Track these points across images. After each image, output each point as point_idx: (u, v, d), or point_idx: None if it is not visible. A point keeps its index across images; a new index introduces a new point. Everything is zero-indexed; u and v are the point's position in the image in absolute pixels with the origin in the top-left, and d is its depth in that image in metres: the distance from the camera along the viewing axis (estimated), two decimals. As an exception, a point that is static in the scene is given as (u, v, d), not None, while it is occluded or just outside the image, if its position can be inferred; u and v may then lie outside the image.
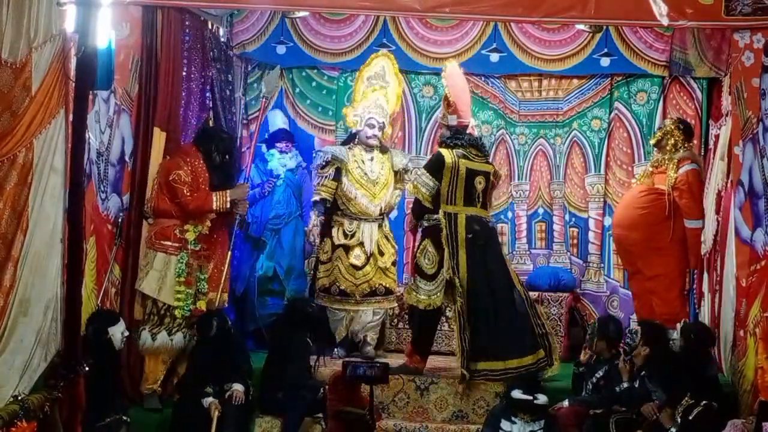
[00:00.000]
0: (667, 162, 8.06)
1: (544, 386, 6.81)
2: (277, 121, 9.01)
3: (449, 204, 7.58)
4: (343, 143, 8.44)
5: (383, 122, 8.21)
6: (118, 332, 6.54)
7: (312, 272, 8.49)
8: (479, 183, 7.66)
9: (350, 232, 8.18)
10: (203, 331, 7.15)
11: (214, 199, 7.31)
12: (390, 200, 8.32)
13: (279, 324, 7.69)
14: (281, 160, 8.72)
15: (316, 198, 8.18)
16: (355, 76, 8.48)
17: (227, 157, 7.53)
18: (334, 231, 8.17)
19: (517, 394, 6.66)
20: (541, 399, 6.65)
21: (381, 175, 8.23)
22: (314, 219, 8.18)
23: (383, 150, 8.34)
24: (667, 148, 8.08)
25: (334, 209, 8.19)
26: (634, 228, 8.06)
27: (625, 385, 6.88)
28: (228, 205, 7.37)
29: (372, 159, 8.24)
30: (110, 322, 6.54)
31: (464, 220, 7.56)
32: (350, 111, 8.26)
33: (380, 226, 8.25)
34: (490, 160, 8.28)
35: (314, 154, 8.65)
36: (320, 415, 7.05)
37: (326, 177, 8.15)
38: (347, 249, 8.15)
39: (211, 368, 7.04)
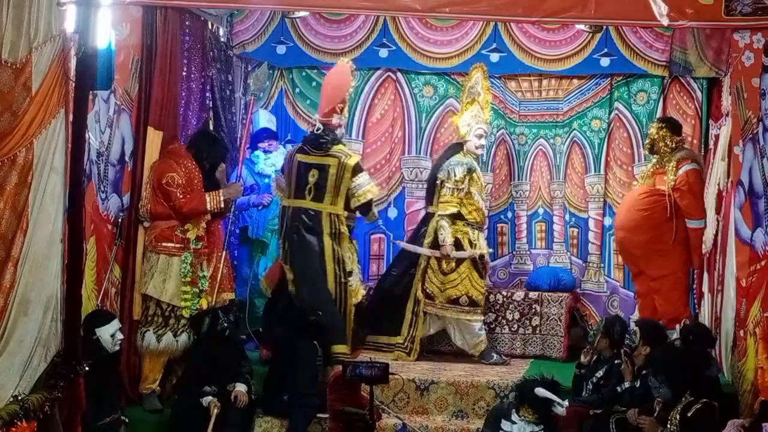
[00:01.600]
0: (666, 163, 8.05)
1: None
2: (261, 120, 8.93)
3: (287, 197, 7.98)
4: (452, 153, 8.43)
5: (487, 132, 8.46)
6: (106, 334, 6.44)
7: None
8: (312, 176, 7.87)
9: (474, 241, 8.29)
10: (198, 330, 7.15)
11: (208, 200, 7.31)
12: None
13: (285, 328, 7.63)
14: (267, 161, 8.68)
15: (453, 211, 8.25)
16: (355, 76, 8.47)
17: (211, 165, 7.52)
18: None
19: (542, 391, 6.57)
20: (559, 410, 6.52)
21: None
22: (450, 232, 8.21)
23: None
24: (662, 151, 8.06)
25: (457, 218, 8.26)
26: (637, 230, 8.03)
27: (627, 384, 6.88)
28: (222, 205, 7.38)
29: (480, 168, 8.46)
30: (98, 323, 6.46)
31: (291, 212, 7.87)
32: (460, 121, 8.40)
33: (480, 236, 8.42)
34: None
35: (451, 167, 8.45)
36: (325, 415, 7.05)
37: (462, 189, 8.27)
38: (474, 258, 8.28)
39: (208, 367, 7.04)
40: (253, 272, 8.60)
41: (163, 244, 7.19)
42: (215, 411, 6.81)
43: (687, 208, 7.85)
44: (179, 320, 7.19)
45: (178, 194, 7.17)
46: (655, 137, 8.08)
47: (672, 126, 8.15)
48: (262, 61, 9.19)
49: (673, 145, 8.03)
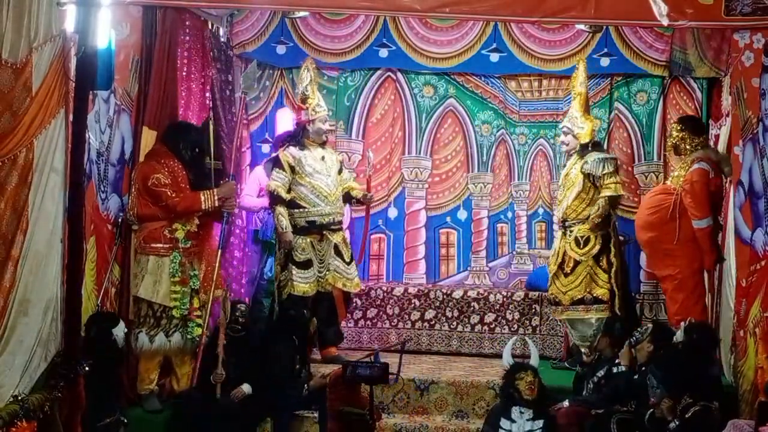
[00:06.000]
0: (683, 163, 7.99)
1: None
2: (286, 120, 8.88)
3: None
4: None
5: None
6: (120, 332, 6.55)
7: None
8: None
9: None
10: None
11: (203, 198, 7.24)
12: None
13: (268, 327, 7.62)
14: None
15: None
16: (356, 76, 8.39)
17: (197, 150, 7.40)
18: None
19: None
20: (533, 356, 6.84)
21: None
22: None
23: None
24: (685, 152, 8.00)
25: None
26: (644, 229, 8.01)
27: (622, 368, 6.87)
28: (216, 204, 7.30)
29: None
30: (113, 323, 6.54)
31: None
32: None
33: (564, 233, 8.07)
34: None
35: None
36: (311, 414, 7.08)
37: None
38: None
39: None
40: (260, 272, 8.60)
41: (152, 245, 7.13)
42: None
43: (689, 208, 7.77)
44: (171, 320, 7.17)
45: (169, 193, 7.12)
46: (676, 140, 8.03)
47: (692, 127, 8.06)
48: (263, 62, 9.16)
49: (694, 145, 7.94)
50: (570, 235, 7.97)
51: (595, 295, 7.90)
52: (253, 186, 8.50)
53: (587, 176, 7.85)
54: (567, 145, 8.08)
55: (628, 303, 7.98)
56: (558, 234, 8.25)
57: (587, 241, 7.90)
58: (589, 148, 7.97)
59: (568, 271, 7.95)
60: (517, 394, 6.70)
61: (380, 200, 9.36)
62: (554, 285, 8.04)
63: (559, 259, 8.01)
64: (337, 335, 8.31)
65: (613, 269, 7.87)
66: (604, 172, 7.81)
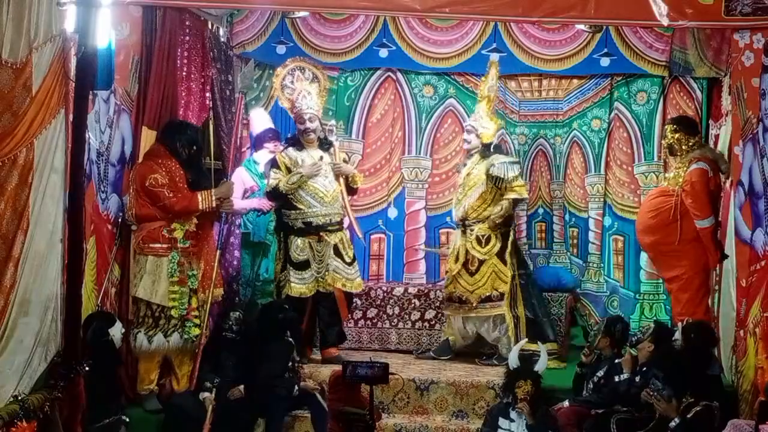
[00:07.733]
0: (682, 163, 8.00)
1: None
2: (263, 120, 8.83)
3: None
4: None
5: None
6: (117, 332, 6.56)
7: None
8: None
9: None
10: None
11: (200, 198, 7.23)
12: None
13: (256, 329, 7.62)
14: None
15: None
16: (355, 76, 8.39)
17: (194, 148, 7.38)
18: None
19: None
20: (540, 364, 6.85)
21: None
22: None
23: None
24: (680, 153, 8.01)
25: None
26: (646, 232, 8.02)
27: (625, 376, 6.87)
28: (214, 204, 7.30)
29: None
30: (109, 323, 6.55)
31: None
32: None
33: (464, 232, 8.27)
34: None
35: None
36: (307, 414, 7.07)
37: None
38: None
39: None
40: (255, 274, 8.59)
41: (151, 245, 7.13)
42: (210, 406, 6.86)
43: (691, 208, 7.76)
44: (169, 320, 7.17)
45: (167, 193, 7.11)
46: (671, 141, 8.03)
47: (687, 127, 8.04)
48: (263, 62, 9.16)
49: (690, 145, 7.93)
50: (471, 235, 8.18)
51: (500, 291, 8.12)
52: (238, 188, 8.40)
53: (492, 178, 8.07)
54: (469, 143, 8.30)
55: (528, 303, 8.17)
56: (457, 233, 8.41)
57: (488, 239, 8.16)
58: (491, 150, 8.17)
59: (474, 270, 8.17)
60: (513, 400, 6.69)
61: (380, 200, 9.37)
62: (459, 284, 8.23)
63: (462, 259, 8.21)
64: (339, 336, 8.30)
65: (509, 264, 8.13)
66: (512, 175, 8.08)
